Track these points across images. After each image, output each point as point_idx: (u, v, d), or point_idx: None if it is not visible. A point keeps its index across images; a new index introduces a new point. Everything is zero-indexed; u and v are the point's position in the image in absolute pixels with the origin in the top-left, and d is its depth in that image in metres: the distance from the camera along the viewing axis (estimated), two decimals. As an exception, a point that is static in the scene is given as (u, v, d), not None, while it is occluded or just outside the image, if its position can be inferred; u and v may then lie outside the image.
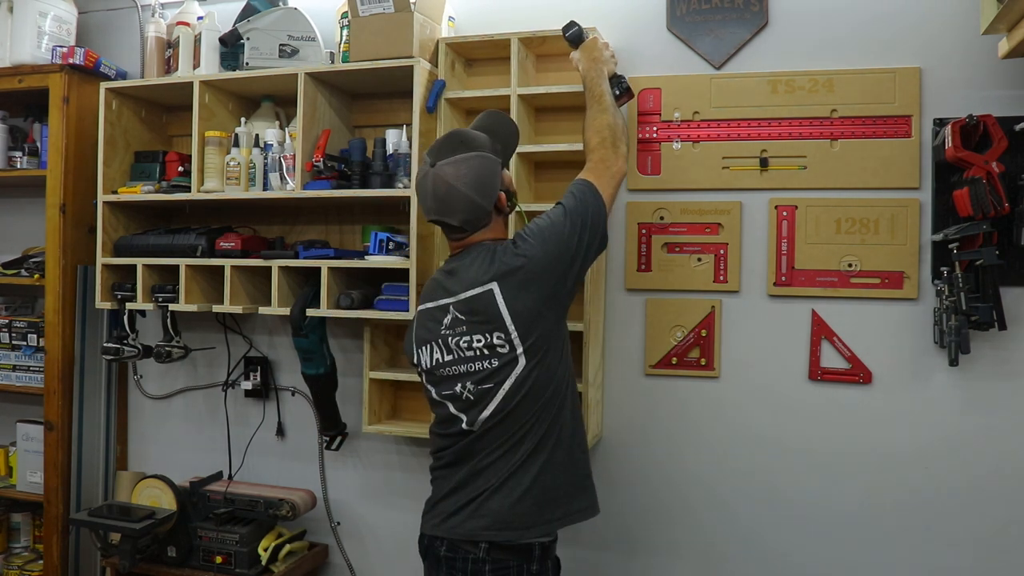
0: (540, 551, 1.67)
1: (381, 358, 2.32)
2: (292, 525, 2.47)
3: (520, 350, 1.63)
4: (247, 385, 2.58)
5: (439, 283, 1.74)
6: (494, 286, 1.64)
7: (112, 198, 2.44)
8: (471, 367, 1.66)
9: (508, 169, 1.80)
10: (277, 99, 2.47)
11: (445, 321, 1.69)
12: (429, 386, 1.75)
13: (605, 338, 2.28)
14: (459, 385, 1.67)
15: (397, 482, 2.49)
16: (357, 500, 2.53)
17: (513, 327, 1.62)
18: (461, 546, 1.66)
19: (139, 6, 2.76)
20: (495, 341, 1.63)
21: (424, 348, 1.73)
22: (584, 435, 1.78)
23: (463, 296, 1.67)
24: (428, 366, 1.73)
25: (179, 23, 2.49)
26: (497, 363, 1.63)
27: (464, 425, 1.67)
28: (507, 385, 1.63)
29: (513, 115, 2.11)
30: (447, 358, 1.68)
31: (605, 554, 2.29)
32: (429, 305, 1.74)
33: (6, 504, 2.78)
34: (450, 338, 1.68)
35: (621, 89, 1.98)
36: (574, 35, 1.99)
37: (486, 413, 1.64)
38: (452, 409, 1.69)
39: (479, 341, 1.64)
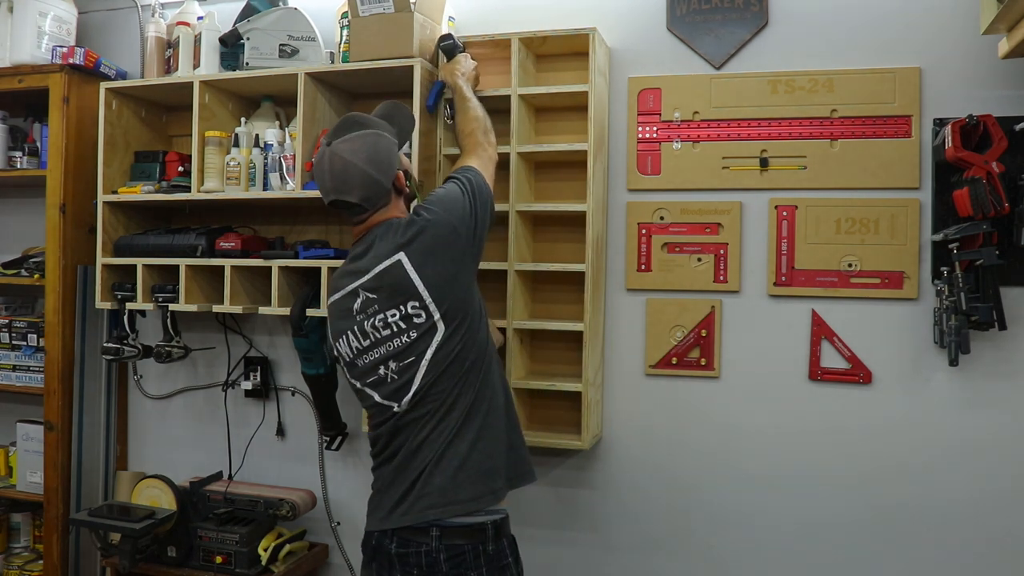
0: (493, 530, 1.65)
1: (381, 358, 2.32)
2: (292, 525, 2.47)
3: (437, 316, 1.62)
4: (247, 385, 2.58)
5: (345, 271, 1.75)
6: (401, 255, 1.64)
7: (112, 198, 2.44)
8: (389, 346, 1.64)
9: (408, 155, 1.88)
10: (277, 99, 2.47)
11: (355, 306, 1.68)
12: (353, 379, 1.73)
13: (605, 338, 2.28)
14: (382, 368, 1.66)
15: (397, 482, 2.49)
16: (357, 500, 2.53)
17: (427, 293, 1.62)
18: (412, 539, 1.62)
19: (139, 6, 2.76)
20: (410, 311, 1.63)
21: (342, 339, 1.72)
22: (513, 401, 1.80)
23: (373, 272, 1.66)
24: (349, 357, 1.71)
25: (179, 23, 2.49)
26: (416, 334, 1.63)
27: (395, 410, 1.66)
28: (429, 354, 1.62)
29: (513, 115, 2.12)
30: (365, 343, 1.67)
31: (604, 554, 2.29)
32: (337, 296, 1.74)
33: (6, 504, 2.78)
34: (364, 322, 1.67)
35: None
36: (447, 47, 2.14)
37: (412, 389, 1.63)
38: (378, 397, 1.67)
39: (393, 315, 1.64)
